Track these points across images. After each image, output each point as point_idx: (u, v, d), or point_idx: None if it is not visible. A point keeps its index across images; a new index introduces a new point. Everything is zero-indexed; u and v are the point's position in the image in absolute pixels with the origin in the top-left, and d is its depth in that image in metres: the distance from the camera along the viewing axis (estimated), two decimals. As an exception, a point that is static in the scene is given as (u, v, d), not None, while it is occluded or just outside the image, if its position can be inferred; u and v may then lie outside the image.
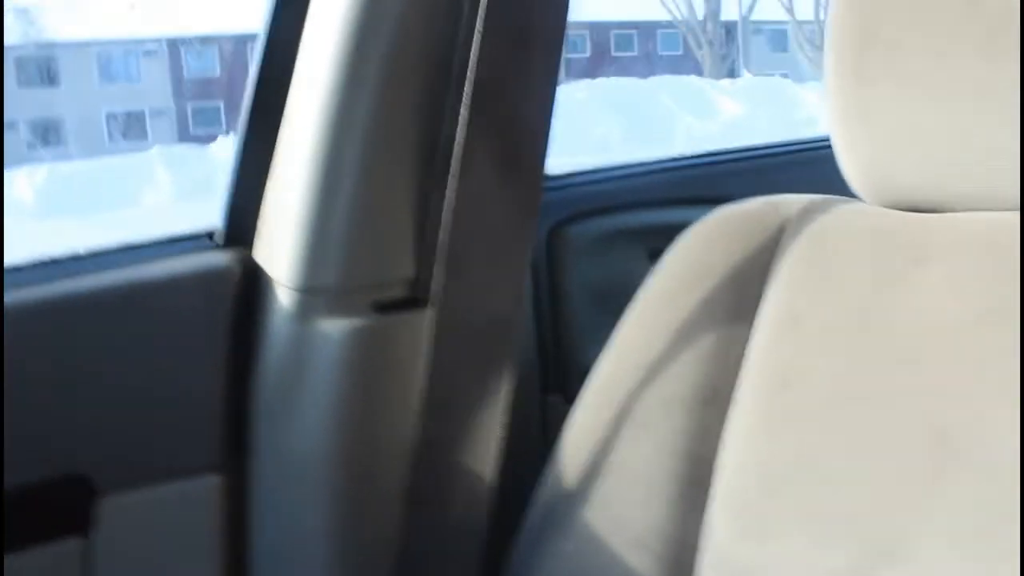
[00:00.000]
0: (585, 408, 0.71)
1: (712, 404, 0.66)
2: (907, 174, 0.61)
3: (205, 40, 12.45)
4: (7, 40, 10.63)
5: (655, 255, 0.95)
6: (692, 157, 1.10)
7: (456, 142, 0.65)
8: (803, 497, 0.60)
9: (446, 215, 0.67)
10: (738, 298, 0.67)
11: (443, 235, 0.67)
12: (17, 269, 0.76)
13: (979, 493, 0.53)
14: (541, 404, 0.96)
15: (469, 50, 0.66)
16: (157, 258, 0.79)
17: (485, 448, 0.70)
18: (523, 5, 0.66)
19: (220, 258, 0.79)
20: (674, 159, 1.09)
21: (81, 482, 0.75)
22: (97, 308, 0.75)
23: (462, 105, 0.65)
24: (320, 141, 0.73)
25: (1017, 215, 0.58)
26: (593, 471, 0.69)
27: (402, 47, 0.71)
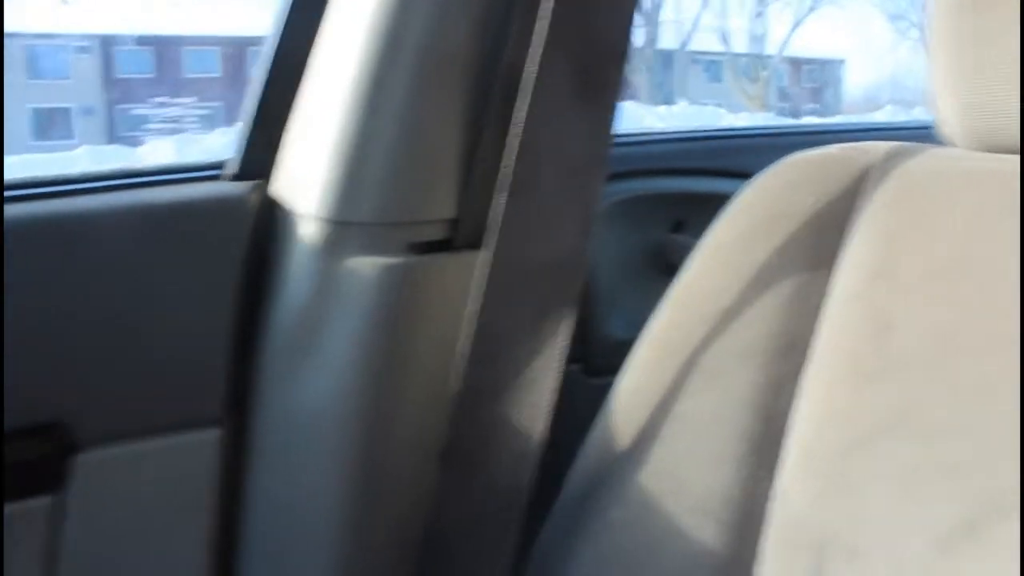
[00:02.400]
0: (639, 365, 0.65)
1: (789, 355, 0.61)
2: (1009, 113, 0.57)
3: (141, 40, 12.18)
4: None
5: (678, 227, 0.90)
6: (720, 130, 1.06)
7: (529, 57, 0.59)
8: (900, 451, 0.54)
9: (511, 139, 0.60)
10: (818, 244, 0.62)
11: (507, 160, 0.60)
12: (16, 185, 0.67)
13: None
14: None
15: None
16: (164, 184, 0.71)
17: (538, 399, 0.63)
18: None
19: (235, 188, 0.71)
20: (700, 130, 1.05)
21: (59, 432, 0.66)
22: (94, 232, 0.67)
23: (538, 16, 0.59)
24: (364, 62, 0.66)
25: None
26: (649, 431, 0.63)
27: None
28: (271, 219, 0.70)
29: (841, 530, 0.55)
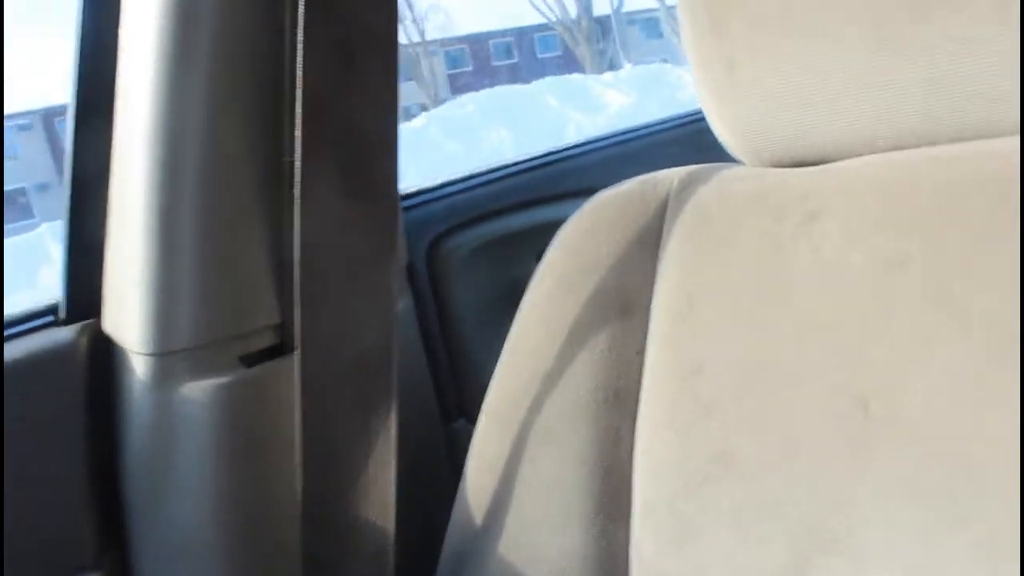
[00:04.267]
0: (482, 433, 0.65)
1: (616, 406, 0.61)
2: (786, 126, 0.57)
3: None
4: None
5: (540, 256, 0.90)
6: (563, 149, 1.05)
7: (295, 167, 0.59)
8: (725, 494, 0.55)
9: (296, 249, 0.60)
10: (628, 288, 0.62)
11: (296, 270, 0.60)
12: None
13: (906, 466, 0.49)
14: (447, 434, 0.90)
15: (295, 66, 0.59)
16: (-3, 343, 0.71)
17: (382, 494, 0.64)
18: (345, 13, 0.60)
19: (65, 334, 0.71)
20: (545, 154, 1.04)
21: None
22: None
23: (296, 125, 0.59)
24: (151, 192, 0.66)
25: (908, 153, 0.54)
26: (500, 500, 0.63)
27: (224, 73, 0.64)
28: (105, 359, 0.70)
29: None
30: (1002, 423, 0.45)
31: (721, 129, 0.60)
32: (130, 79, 0.67)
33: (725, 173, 0.62)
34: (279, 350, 0.69)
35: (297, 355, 0.62)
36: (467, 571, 0.63)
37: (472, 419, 0.89)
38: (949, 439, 0.47)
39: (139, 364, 0.68)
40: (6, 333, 0.72)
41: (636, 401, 0.60)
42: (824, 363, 0.52)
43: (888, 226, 0.52)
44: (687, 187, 0.62)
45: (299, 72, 0.59)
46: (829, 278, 0.53)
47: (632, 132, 1.09)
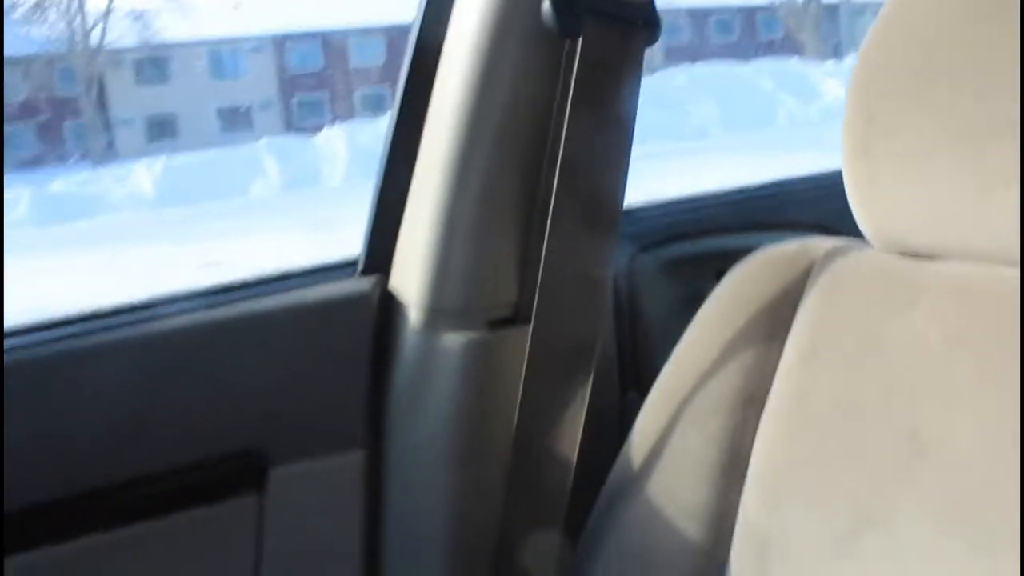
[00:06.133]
0: (650, 407, 0.90)
1: (749, 407, 0.84)
2: (904, 219, 0.77)
3: (307, 36, 12.86)
4: (124, 43, 11.16)
5: (721, 275, 1.14)
6: (758, 187, 1.27)
7: (550, 204, 0.85)
8: (808, 474, 0.78)
9: (543, 258, 0.86)
10: (773, 325, 0.85)
11: (541, 273, 0.86)
12: (208, 292, 0.98)
13: (943, 479, 0.70)
14: (620, 400, 1.15)
15: (561, 129, 0.85)
16: (312, 284, 1.00)
17: (569, 442, 0.90)
18: (603, 97, 0.85)
19: (362, 284, 1.00)
20: (740, 188, 1.27)
21: (257, 454, 0.97)
22: (265, 326, 0.97)
23: (555, 175, 0.85)
24: (444, 191, 0.93)
25: (1002, 268, 0.74)
26: (654, 457, 0.88)
27: (511, 121, 0.91)
28: (390, 307, 0.98)
29: (776, 532, 0.79)
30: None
31: (857, 209, 0.80)
32: (445, 94, 0.94)
33: (857, 252, 0.83)
34: (513, 320, 0.95)
35: (531, 328, 0.88)
36: (621, 501, 0.88)
37: (642, 393, 1.13)
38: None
39: (415, 315, 0.95)
40: (317, 275, 1.01)
41: (764, 402, 0.83)
42: (892, 402, 0.74)
43: (967, 319, 0.73)
44: (829, 257, 0.84)
45: (564, 136, 0.84)
46: (913, 347, 0.75)
47: (816, 179, 1.30)
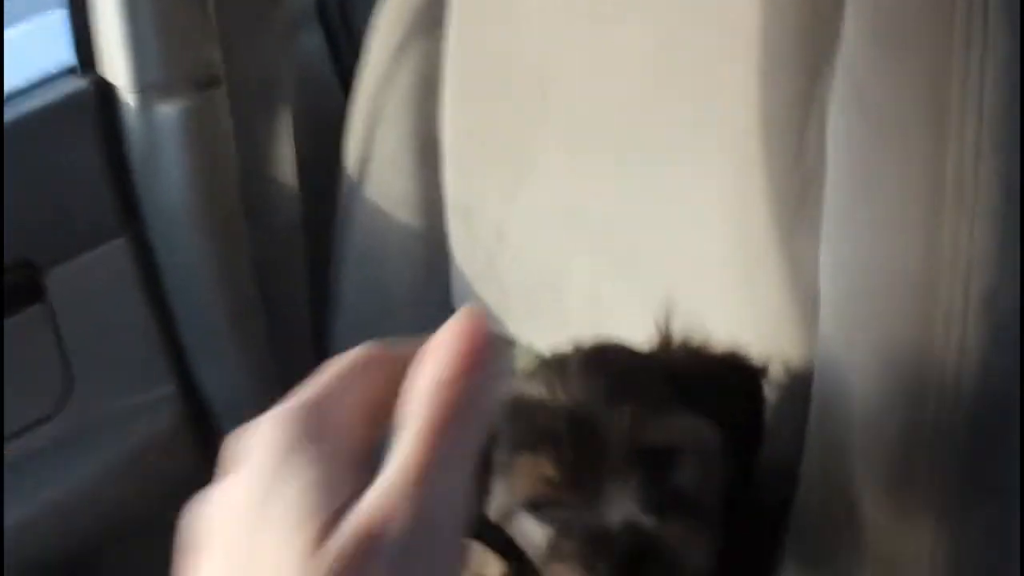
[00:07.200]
0: (356, 114, 0.99)
1: (432, 98, 0.92)
2: None
3: None
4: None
5: None
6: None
7: None
8: (486, 146, 0.88)
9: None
10: (432, 18, 0.92)
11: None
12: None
13: (564, 112, 0.81)
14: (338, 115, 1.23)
15: None
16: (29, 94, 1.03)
17: (288, 171, 0.99)
18: None
19: (79, 83, 1.04)
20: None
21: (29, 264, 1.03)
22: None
23: None
24: None
25: None
26: (366, 162, 0.98)
27: None
28: (109, 97, 1.03)
29: (475, 201, 0.89)
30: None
31: None
32: None
33: None
34: (219, 79, 1.01)
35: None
36: (352, 209, 0.98)
37: None
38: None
39: (130, 99, 1.00)
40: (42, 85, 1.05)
41: (442, 86, 0.92)
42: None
43: None
44: None
45: None
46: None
47: None
